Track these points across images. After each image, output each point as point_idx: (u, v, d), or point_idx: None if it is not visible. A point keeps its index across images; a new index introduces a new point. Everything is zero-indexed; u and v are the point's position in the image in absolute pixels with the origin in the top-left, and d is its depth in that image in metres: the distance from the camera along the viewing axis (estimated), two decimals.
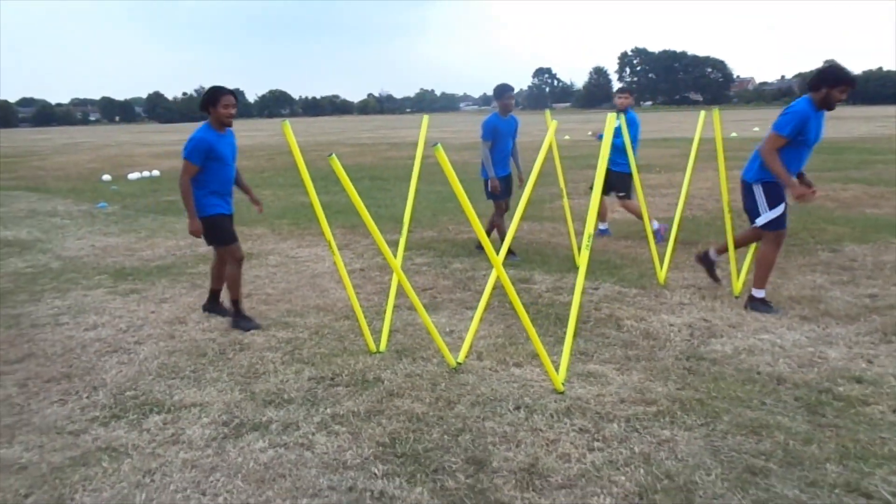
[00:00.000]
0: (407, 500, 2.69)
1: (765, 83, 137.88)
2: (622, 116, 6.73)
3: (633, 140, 7.78)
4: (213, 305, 5.37)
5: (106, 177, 17.12)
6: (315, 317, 5.25)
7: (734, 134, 29.32)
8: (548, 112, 6.48)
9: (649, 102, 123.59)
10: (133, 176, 17.04)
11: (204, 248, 8.52)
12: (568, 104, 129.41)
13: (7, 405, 3.70)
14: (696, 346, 4.42)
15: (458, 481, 2.82)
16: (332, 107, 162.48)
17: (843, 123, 38.07)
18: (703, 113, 6.02)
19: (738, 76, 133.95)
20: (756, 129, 32.58)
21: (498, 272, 3.79)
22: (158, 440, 3.23)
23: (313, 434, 3.27)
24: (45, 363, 4.32)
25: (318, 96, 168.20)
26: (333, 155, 3.36)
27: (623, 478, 2.82)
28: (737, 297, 5.44)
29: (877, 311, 4.99)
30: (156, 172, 17.93)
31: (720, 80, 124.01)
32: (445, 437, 3.21)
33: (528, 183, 4.62)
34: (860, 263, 6.44)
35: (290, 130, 3.74)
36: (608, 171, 7.33)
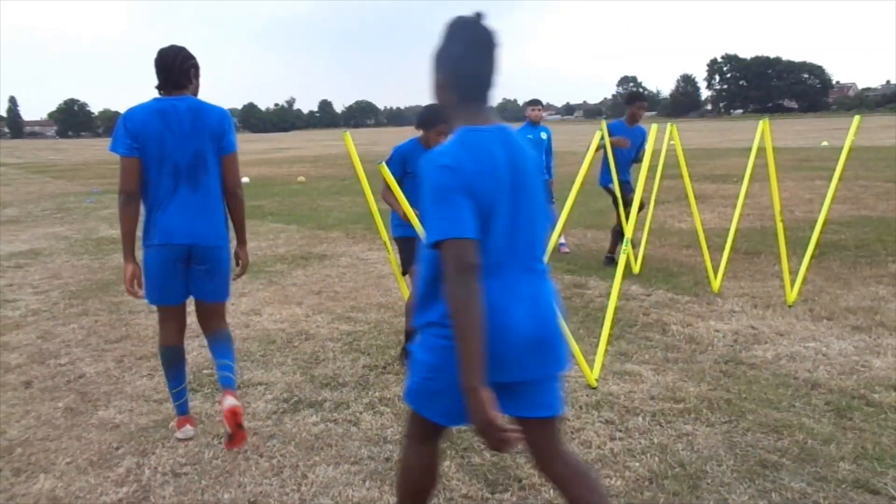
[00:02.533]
0: None
1: (868, 89, 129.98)
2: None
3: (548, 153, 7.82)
4: None
5: None
6: (376, 313, 5.66)
7: (825, 143, 28.07)
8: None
9: (740, 111, 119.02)
10: None
11: (283, 248, 9.13)
12: (654, 113, 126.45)
13: (106, 376, 4.28)
14: (738, 351, 4.51)
15: (483, 458, 3.11)
16: (416, 117, 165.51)
17: None
18: (762, 122, 6.06)
19: (837, 82, 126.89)
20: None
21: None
22: None
23: (361, 413, 3.64)
24: (138, 343, 4.92)
25: (402, 106, 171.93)
26: (383, 163, 3.73)
27: (637, 464, 3.03)
28: (790, 307, 5.44)
29: None
30: (245, 179, 19.06)
31: (818, 86, 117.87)
32: None
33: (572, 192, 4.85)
34: None
35: (350, 140, 4.14)
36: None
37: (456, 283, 1.69)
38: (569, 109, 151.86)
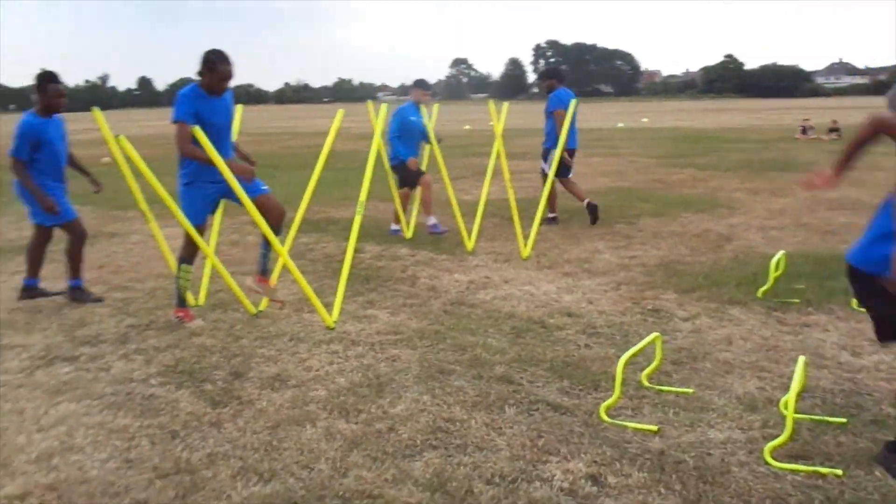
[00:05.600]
0: (168, 398, 3.53)
1: (671, 76, 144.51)
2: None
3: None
4: None
5: None
6: (155, 281, 5.97)
7: (621, 124, 31.31)
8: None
9: None
10: None
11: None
12: (485, 95, 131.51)
13: None
14: (466, 295, 5.43)
15: (215, 386, 3.68)
16: (247, 96, 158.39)
17: (723, 115, 41.06)
18: (489, 103, 7.13)
19: (646, 69, 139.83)
20: (645, 119, 34.79)
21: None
22: None
23: (115, 361, 4.05)
24: None
25: (231, 85, 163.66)
26: (122, 136, 4.12)
27: (343, 379, 3.75)
28: (524, 260, 6.51)
29: (626, 269, 6.15)
30: None
31: (629, 72, 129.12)
32: (221, 359, 4.06)
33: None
34: (643, 233, 7.68)
35: (101, 118, 4.45)
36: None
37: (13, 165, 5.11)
38: (403, 91, 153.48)
